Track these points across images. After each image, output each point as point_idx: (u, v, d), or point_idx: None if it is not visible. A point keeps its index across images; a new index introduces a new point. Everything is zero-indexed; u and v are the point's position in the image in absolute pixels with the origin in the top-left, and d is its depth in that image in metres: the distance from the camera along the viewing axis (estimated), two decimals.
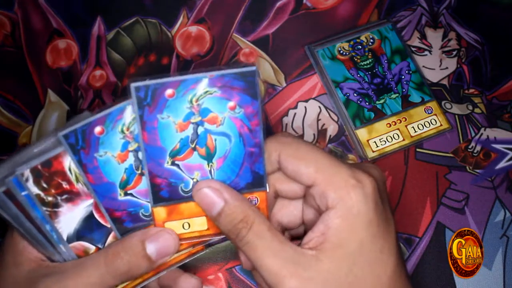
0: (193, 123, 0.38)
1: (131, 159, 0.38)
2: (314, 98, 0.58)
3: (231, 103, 0.37)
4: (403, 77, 0.57)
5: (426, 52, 0.59)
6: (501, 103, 0.57)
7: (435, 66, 0.59)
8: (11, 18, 0.60)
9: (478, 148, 0.56)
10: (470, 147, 0.56)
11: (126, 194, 0.39)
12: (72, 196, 0.37)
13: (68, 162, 0.37)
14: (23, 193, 0.36)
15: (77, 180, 0.37)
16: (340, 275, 0.35)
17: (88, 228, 0.39)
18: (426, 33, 0.60)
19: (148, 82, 0.35)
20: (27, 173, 0.35)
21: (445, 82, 0.58)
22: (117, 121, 0.37)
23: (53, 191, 0.37)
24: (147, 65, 0.59)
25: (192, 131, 0.38)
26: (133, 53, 0.59)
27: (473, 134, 0.56)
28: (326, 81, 0.57)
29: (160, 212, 0.39)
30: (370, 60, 0.57)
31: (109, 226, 0.39)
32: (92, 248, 0.39)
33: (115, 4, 0.61)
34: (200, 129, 0.38)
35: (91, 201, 0.38)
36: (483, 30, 0.60)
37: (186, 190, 0.39)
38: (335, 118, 0.56)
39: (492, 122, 0.57)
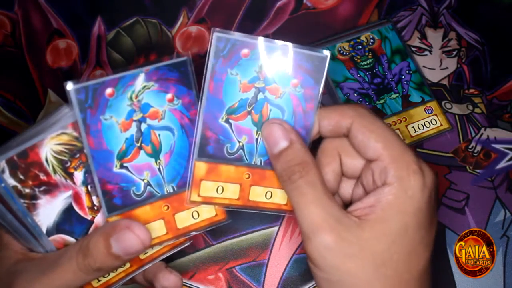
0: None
1: (133, 130, 0.38)
2: None
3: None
4: (403, 77, 0.57)
5: (426, 52, 0.59)
6: (501, 103, 0.57)
7: (435, 66, 0.59)
8: (11, 18, 0.60)
9: (478, 148, 0.56)
10: (470, 147, 0.56)
11: (122, 166, 0.39)
12: (50, 188, 0.37)
13: (45, 153, 0.36)
14: (2, 185, 0.35)
15: (55, 171, 0.37)
16: (376, 249, 0.35)
17: (68, 220, 0.38)
18: (426, 33, 0.60)
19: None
20: (3, 164, 0.35)
21: (445, 82, 0.58)
22: (128, 87, 0.37)
23: (30, 182, 0.36)
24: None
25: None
26: (133, 53, 0.59)
27: (473, 134, 0.56)
28: (326, 81, 0.57)
29: (201, 167, 0.40)
30: (370, 60, 0.57)
31: (89, 218, 0.39)
32: (73, 241, 0.38)
33: (115, 4, 0.61)
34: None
35: (69, 192, 0.38)
36: (483, 30, 0.60)
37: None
38: None
39: (492, 122, 0.57)
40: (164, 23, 0.60)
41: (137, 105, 0.38)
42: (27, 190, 0.36)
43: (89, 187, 0.38)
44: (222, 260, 0.51)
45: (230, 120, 0.39)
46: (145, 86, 0.37)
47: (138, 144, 0.38)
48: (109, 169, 0.38)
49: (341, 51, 0.57)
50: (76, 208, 0.38)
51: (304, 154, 0.38)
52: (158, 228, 0.40)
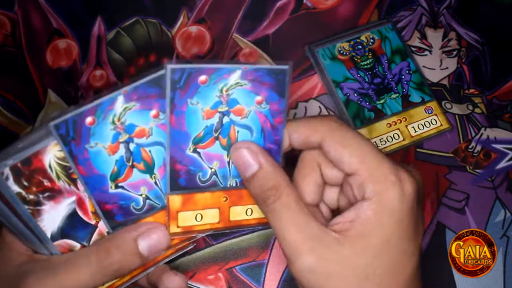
0: (219, 112, 0.38)
1: (122, 151, 0.38)
2: (314, 98, 0.58)
3: (259, 98, 0.38)
4: (403, 77, 0.57)
5: (426, 52, 0.59)
6: (501, 103, 0.57)
7: (435, 66, 0.59)
8: (11, 18, 0.60)
9: (478, 148, 0.56)
10: (470, 147, 0.56)
11: (117, 186, 0.38)
12: (54, 194, 0.37)
13: (48, 160, 0.36)
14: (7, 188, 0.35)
15: (58, 177, 0.37)
16: (358, 265, 0.34)
17: (72, 225, 0.38)
18: (426, 33, 0.60)
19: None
20: (7, 171, 0.35)
21: (445, 82, 0.58)
22: (108, 112, 0.36)
23: (34, 189, 0.36)
24: (147, 65, 0.58)
25: (217, 120, 0.38)
26: (133, 53, 0.59)
27: (473, 134, 0.56)
28: (326, 81, 0.57)
29: (176, 200, 0.39)
30: (370, 60, 0.57)
31: (93, 223, 0.39)
32: (77, 246, 0.39)
33: (115, 4, 0.61)
34: (225, 119, 0.38)
35: (73, 198, 0.38)
36: (483, 30, 0.60)
37: (203, 179, 0.40)
38: None
39: (492, 122, 0.57)
40: (164, 23, 0.60)
41: (121, 127, 0.37)
42: (31, 197, 0.36)
43: None
44: (222, 260, 0.51)
45: (198, 149, 0.39)
46: (126, 107, 0.37)
47: (130, 164, 0.38)
48: (105, 191, 0.38)
49: (341, 51, 0.57)
50: (80, 213, 0.38)
51: (275, 176, 0.37)
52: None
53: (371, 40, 0.58)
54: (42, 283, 0.36)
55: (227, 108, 0.38)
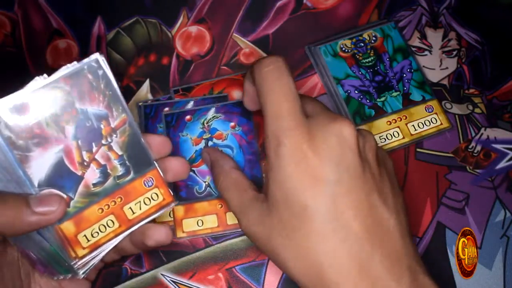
0: (205, 138, 0.52)
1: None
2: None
3: (232, 123, 0.52)
4: (404, 75, 0.57)
5: (426, 52, 0.59)
6: (501, 103, 0.57)
7: (435, 66, 0.59)
8: (11, 18, 0.60)
9: (478, 148, 0.56)
10: (470, 147, 0.56)
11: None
12: (42, 141, 0.37)
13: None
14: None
15: (47, 124, 0.37)
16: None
17: (59, 175, 0.38)
18: (426, 33, 0.60)
19: (173, 110, 0.52)
20: None
21: (445, 82, 0.58)
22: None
23: (24, 135, 0.36)
24: (147, 65, 0.58)
25: (204, 145, 0.52)
26: (133, 53, 0.59)
27: (473, 134, 0.56)
28: (326, 79, 0.57)
29: (179, 209, 0.50)
30: (372, 58, 0.57)
31: (79, 174, 0.39)
32: (63, 196, 0.39)
33: (115, 4, 0.61)
34: (210, 143, 0.52)
35: (61, 146, 0.38)
36: (483, 30, 0.60)
37: (200, 191, 0.51)
38: None
39: (492, 122, 0.57)
40: (164, 23, 0.60)
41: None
42: (21, 142, 0.36)
43: (79, 141, 0.38)
44: (222, 260, 0.51)
45: (193, 168, 0.51)
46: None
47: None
48: None
49: (343, 48, 0.57)
50: (66, 162, 0.38)
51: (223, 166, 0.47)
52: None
53: (373, 38, 0.58)
54: None
55: (210, 135, 0.52)
